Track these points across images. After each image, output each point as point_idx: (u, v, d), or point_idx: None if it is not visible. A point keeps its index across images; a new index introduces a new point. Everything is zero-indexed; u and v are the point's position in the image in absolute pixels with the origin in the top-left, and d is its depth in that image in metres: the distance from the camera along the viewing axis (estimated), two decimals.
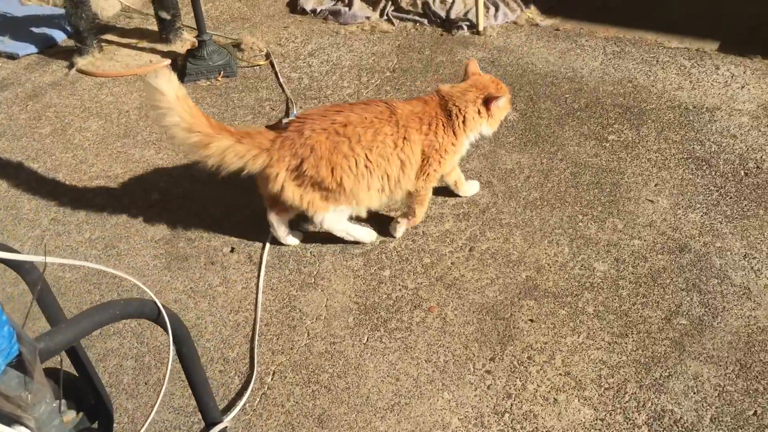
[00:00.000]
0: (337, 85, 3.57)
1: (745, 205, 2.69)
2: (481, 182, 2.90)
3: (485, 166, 3.00)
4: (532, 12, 3.97)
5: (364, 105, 2.48)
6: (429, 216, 2.78)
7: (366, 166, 2.40)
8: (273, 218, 2.60)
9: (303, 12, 4.17)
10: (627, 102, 3.27)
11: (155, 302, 1.41)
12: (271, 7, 4.33)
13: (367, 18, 4.03)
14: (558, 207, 2.77)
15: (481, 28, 3.83)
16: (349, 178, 2.39)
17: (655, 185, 2.83)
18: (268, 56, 3.81)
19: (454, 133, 2.50)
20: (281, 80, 3.62)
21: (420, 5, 4.04)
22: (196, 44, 3.65)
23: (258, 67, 3.77)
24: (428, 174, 2.54)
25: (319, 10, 4.14)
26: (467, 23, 3.87)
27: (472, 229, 2.71)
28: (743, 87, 3.29)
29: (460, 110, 2.48)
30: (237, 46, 3.87)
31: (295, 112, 3.34)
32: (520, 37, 3.83)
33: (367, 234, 2.66)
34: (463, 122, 2.50)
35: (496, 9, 3.94)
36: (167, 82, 2.28)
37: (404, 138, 2.43)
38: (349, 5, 4.09)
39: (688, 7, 3.92)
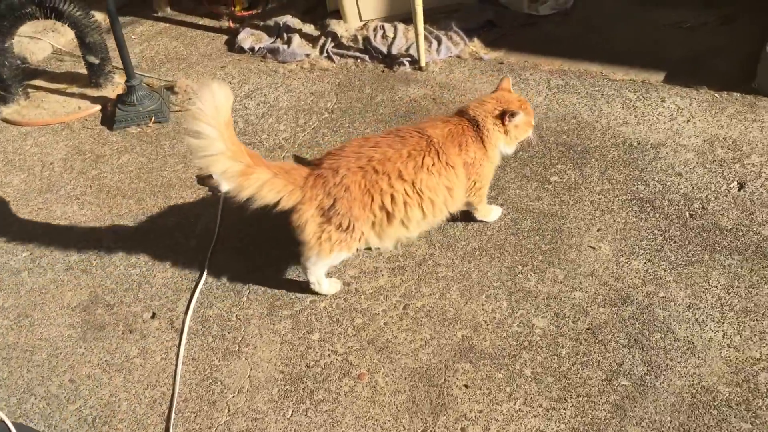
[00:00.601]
0: (273, 129, 3.43)
1: (690, 250, 2.59)
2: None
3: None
4: (476, 45, 3.87)
5: (398, 138, 2.41)
6: (362, 271, 2.64)
7: (405, 202, 2.36)
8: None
9: (241, 50, 4.04)
10: (570, 140, 3.17)
11: (4, 421, 1.25)
12: (208, 45, 4.19)
13: (307, 55, 3.90)
14: (497, 257, 2.65)
15: (423, 64, 3.72)
16: (379, 215, 2.35)
17: (598, 230, 2.71)
18: None
19: (484, 145, 2.50)
20: None
21: (361, 41, 3.93)
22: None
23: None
24: (473, 191, 2.56)
25: (257, 48, 4.01)
26: (409, 59, 3.76)
27: (408, 285, 2.57)
28: (689, 120, 3.20)
29: (480, 120, 2.49)
30: (170, 89, 3.73)
31: None
32: (463, 72, 3.72)
33: (332, 287, 2.55)
34: (487, 133, 2.50)
35: (439, 43, 3.84)
36: (225, 101, 2.13)
37: (447, 164, 2.41)
38: (288, 43, 3.96)
39: (634, 37, 3.84)
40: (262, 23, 4.18)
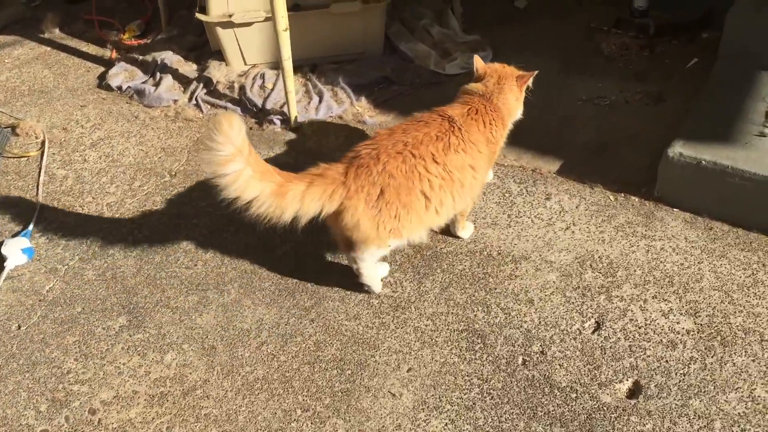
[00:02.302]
0: (102, 190, 3.02)
1: (506, 412, 2.12)
2: (204, 347, 2.35)
3: (219, 322, 2.45)
4: (363, 106, 3.41)
5: (423, 122, 2.37)
6: (118, 395, 2.23)
7: (440, 186, 2.29)
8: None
9: (109, 88, 3.62)
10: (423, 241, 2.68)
11: None
12: (80, 78, 3.78)
13: (174, 101, 3.48)
14: (279, 394, 2.21)
15: (294, 125, 3.27)
16: (420, 201, 2.27)
17: (408, 370, 2.26)
18: (43, 145, 3.27)
19: (503, 123, 2.52)
20: (41, 179, 3.08)
21: (237, 89, 3.49)
22: None
23: (27, 158, 3.22)
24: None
25: (125, 86, 3.59)
26: (280, 117, 3.31)
27: (159, 422, 2.15)
28: (568, 228, 2.71)
29: (502, 100, 2.50)
30: (13, 129, 3.34)
31: (30, 229, 2.79)
32: (338, 138, 3.26)
33: (380, 284, 2.48)
34: (509, 111, 2.54)
35: (320, 100, 3.38)
36: (239, 131, 2.00)
37: (469, 141, 2.36)
38: (158, 84, 3.53)
39: (543, 111, 3.32)
40: (141, 57, 3.76)
